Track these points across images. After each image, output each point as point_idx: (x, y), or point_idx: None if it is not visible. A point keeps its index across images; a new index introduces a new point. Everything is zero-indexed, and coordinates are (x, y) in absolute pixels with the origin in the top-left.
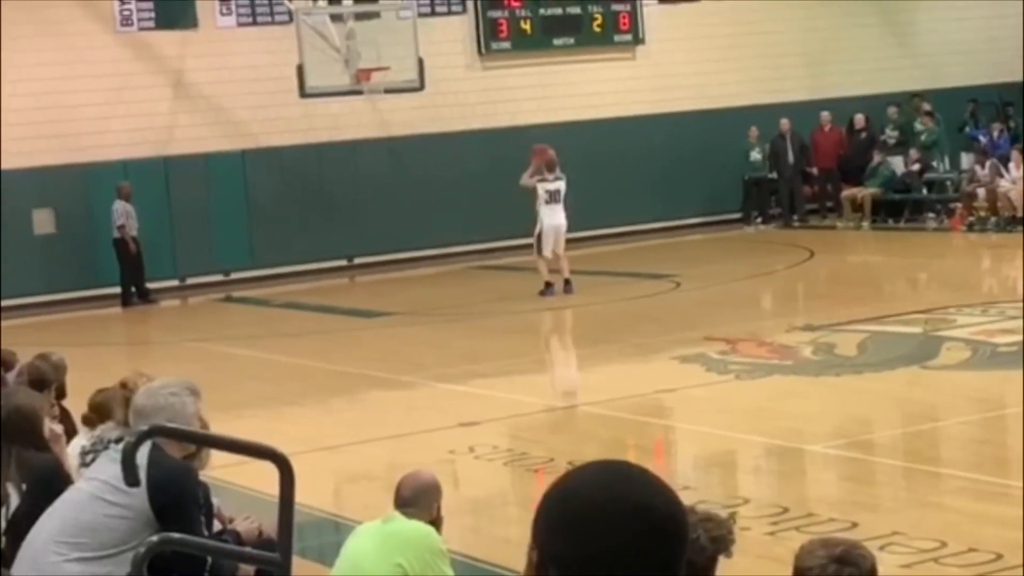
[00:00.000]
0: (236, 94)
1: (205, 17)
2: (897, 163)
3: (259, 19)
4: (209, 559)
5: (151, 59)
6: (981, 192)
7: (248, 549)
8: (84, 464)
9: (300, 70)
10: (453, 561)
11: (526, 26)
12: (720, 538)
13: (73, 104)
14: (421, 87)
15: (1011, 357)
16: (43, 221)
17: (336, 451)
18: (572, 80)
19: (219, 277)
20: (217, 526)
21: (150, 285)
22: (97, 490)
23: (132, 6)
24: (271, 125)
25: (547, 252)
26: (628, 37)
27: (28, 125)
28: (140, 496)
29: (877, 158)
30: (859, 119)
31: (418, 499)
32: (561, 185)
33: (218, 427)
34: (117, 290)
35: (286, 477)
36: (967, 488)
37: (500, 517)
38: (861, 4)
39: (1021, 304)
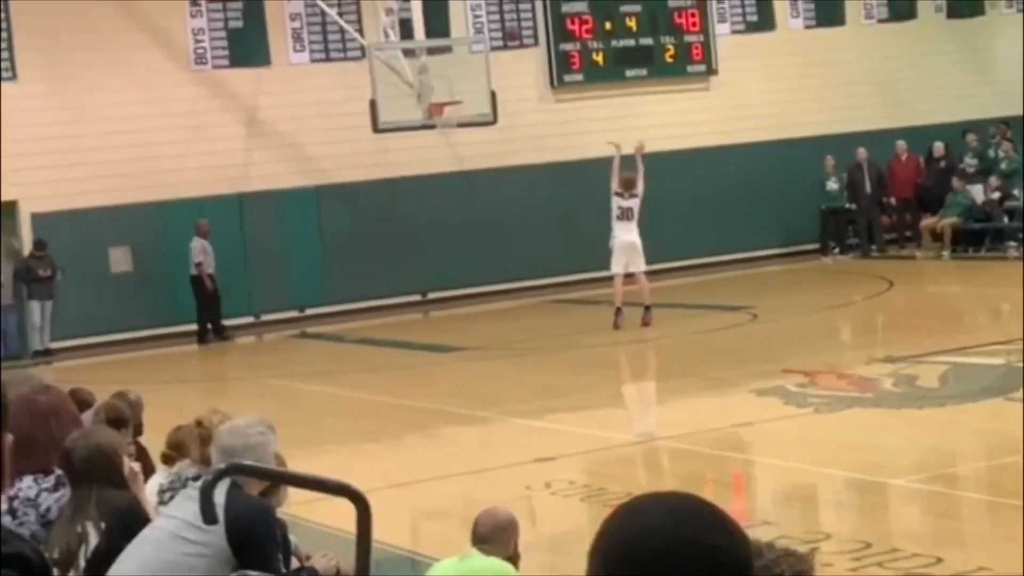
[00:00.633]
0: (309, 130)
1: (278, 54)
2: (977, 191)
3: (332, 55)
4: None
5: (225, 97)
6: None
7: None
8: (162, 502)
9: (373, 105)
10: None
11: (598, 58)
12: (804, 573)
13: (149, 142)
14: (494, 121)
15: None
16: (120, 259)
17: (412, 487)
18: (645, 112)
19: (293, 313)
20: (295, 564)
21: (225, 322)
22: (176, 528)
23: (206, 44)
24: (344, 161)
25: (617, 268)
26: (701, 68)
27: (104, 164)
28: (218, 534)
29: (957, 185)
30: (938, 147)
31: (495, 536)
32: (634, 204)
33: (294, 464)
34: (193, 327)
35: (363, 514)
36: None
37: (578, 554)
38: (937, 31)
39: None
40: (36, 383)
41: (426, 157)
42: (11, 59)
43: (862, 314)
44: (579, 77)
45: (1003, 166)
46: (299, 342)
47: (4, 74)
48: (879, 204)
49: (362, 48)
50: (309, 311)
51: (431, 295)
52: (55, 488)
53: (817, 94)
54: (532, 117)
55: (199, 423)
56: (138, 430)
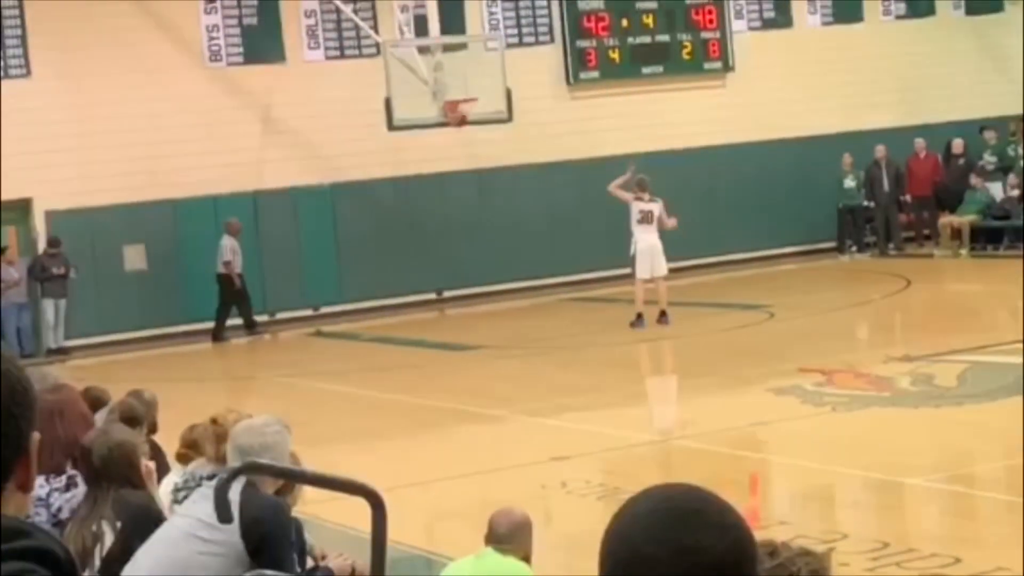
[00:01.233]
0: (324, 128)
1: (293, 51)
2: (996, 189)
3: (347, 52)
4: None
5: (239, 94)
6: None
7: None
8: (176, 501)
9: (388, 103)
10: None
11: (614, 55)
12: (820, 571)
13: (163, 140)
14: (509, 118)
15: None
16: (134, 257)
17: (427, 486)
18: (662, 109)
19: (308, 312)
20: (310, 563)
21: (239, 320)
22: (190, 527)
23: (221, 41)
24: (359, 158)
25: (643, 274)
26: (718, 65)
27: (119, 161)
28: (233, 533)
29: (976, 183)
30: (957, 144)
31: (512, 536)
32: (655, 208)
33: (309, 462)
34: (208, 325)
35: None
36: None
37: (594, 553)
38: (955, 27)
39: None
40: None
41: (441, 155)
42: (25, 56)
43: (880, 313)
44: (595, 74)
45: (1023, 163)
46: (314, 340)
47: (18, 71)
48: (897, 202)
49: (377, 45)
50: (324, 309)
51: (446, 293)
52: (66, 488)
53: (835, 91)
54: (548, 115)
55: (214, 421)
56: (153, 429)
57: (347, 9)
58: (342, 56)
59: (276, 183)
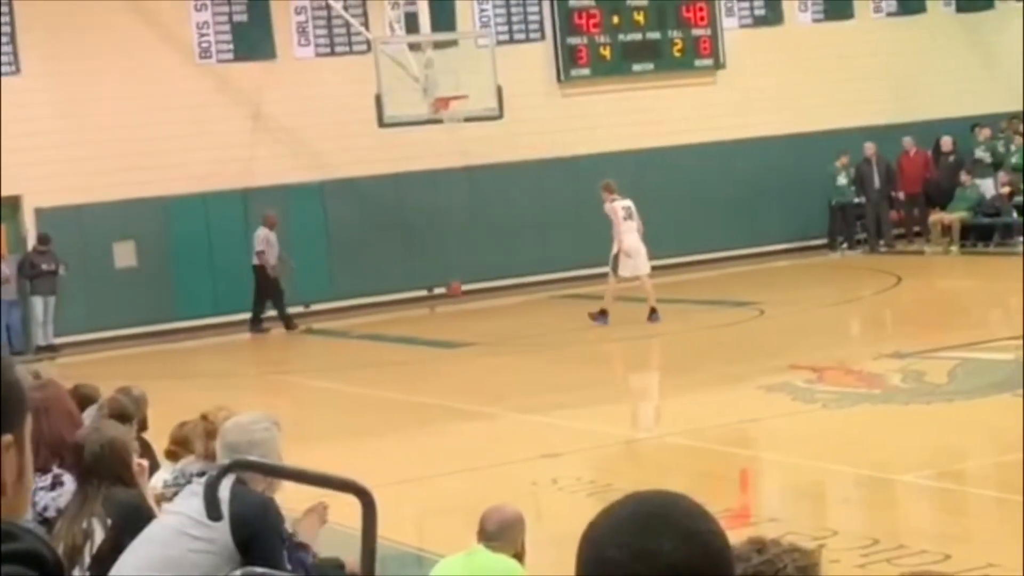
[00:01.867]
0: (315, 125)
1: (283, 48)
2: (986, 186)
3: (337, 49)
4: None
5: (230, 91)
6: None
7: None
8: (166, 498)
9: (378, 100)
10: None
11: (605, 52)
12: (808, 567)
13: (153, 137)
14: (500, 115)
15: None
16: (124, 254)
17: (417, 483)
18: (652, 106)
19: (299, 309)
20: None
21: (232, 318)
22: (180, 524)
23: (211, 38)
24: (350, 155)
25: (627, 272)
26: (709, 62)
27: (108, 158)
28: (223, 530)
29: (966, 180)
30: (946, 142)
31: (503, 533)
32: (631, 203)
33: (298, 460)
34: (197, 322)
35: (369, 511)
36: None
37: None
38: (946, 24)
39: None
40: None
41: (432, 151)
42: (14, 53)
43: (870, 309)
44: (586, 71)
45: (1014, 160)
46: (305, 338)
47: (7, 68)
48: (887, 199)
49: (367, 42)
50: (315, 307)
51: (437, 290)
52: (52, 487)
53: (825, 88)
54: (538, 112)
55: (204, 418)
56: (143, 426)
57: (338, 6)
58: (332, 53)
59: (267, 180)
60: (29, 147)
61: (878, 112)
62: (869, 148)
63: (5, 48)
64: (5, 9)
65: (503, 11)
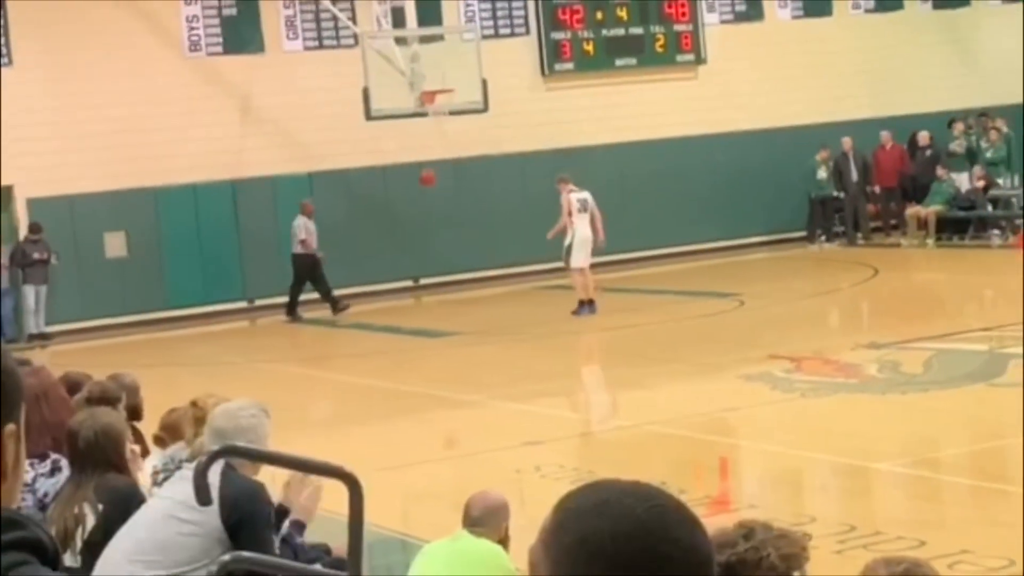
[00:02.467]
0: (303, 117)
1: (271, 41)
2: (961, 180)
3: (325, 43)
4: None
5: (219, 83)
6: None
7: (319, 568)
8: (156, 484)
9: (366, 93)
10: None
11: (589, 47)
12: (792, 556)
13: (143, 128)
14: (485, 108)
15: None
16: (115, 244)
17: (402, 470)
18: (635, 100)
19: (286, 298)
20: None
21: (218, 307)
22: (170, 509)
23: (200, 31)
24: (337, 147)
25: (580, 263)
26: (690, 57)
27: (100, 149)
28: (212, 514)
29: (942, 174)
30: (923, 136)
31: (487, 519)
32: (588, 195)
33: (286, 446)
34: (188, 311)
35: (355, 495)
36: None
37: None
38: (924, 21)
39: None
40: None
41: (418, 144)
42: (7, 45)
43: (848, 301)
44: (570, 66)
45: (988, 155)
46: (291, 326)
47: (0, 60)
48: (864, 193)
49: (355, 36)
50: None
51: (423, 280)
52: (51, 474)
53: (805, 83)
54: (523, 105)
55: (194, 404)
56: (135, 413)
57: (326, 1)
58: (320, 47)
59: (255, 171)
60: (21, 138)
61: (856, 107)
62: (846, 142)
63: None
64: None
65: (488, 6)
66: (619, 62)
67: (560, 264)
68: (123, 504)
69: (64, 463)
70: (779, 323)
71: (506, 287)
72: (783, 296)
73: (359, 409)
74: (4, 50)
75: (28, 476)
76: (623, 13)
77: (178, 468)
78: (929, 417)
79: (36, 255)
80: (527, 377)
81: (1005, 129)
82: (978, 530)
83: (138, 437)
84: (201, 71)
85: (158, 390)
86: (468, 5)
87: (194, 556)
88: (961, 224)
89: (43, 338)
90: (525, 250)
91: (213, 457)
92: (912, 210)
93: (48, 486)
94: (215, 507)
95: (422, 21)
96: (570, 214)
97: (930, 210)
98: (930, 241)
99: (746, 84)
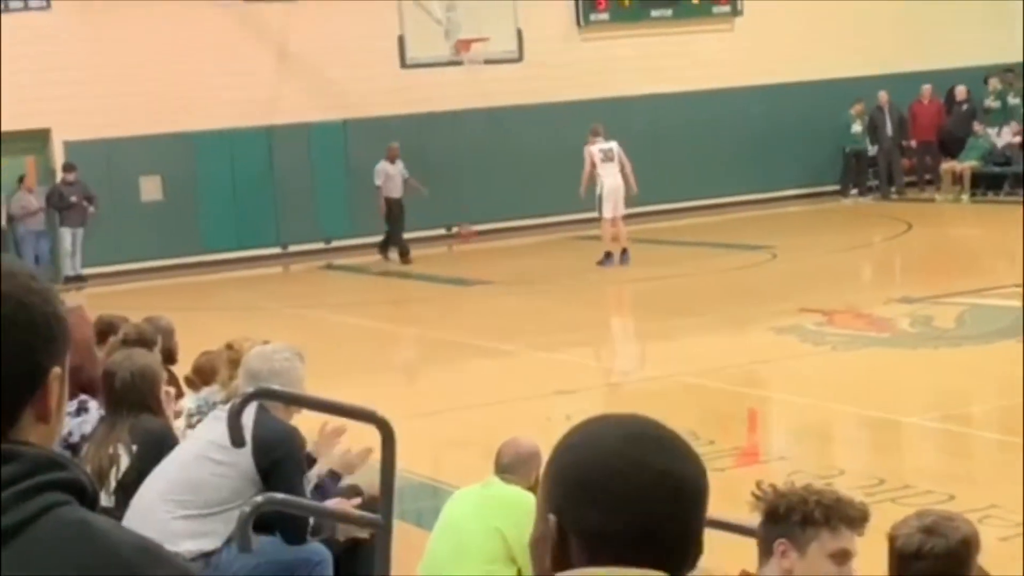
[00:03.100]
0: (338, 65)
1: None
2: (999, 136)
3: None
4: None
5: (255, 29)
6: None
7: (351, 510)
8: (190, 426)
9: (401, 41)
10: None
11: None
12: (848, 519)
13: (180, 73)
14: (520, 58)
15: None
16: (150, 188)
17: (434, 417)
18: (670, 51)
19: (320, 245)
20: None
21: (251, 253)
22: (203, 450)
23: None
24: (372, 95)
25: (608, 213)
26: (726, 8)
27: (136, 94)
28: (245, 456)
29: (979, 129)
30: (960, 91)
31: (518, 466)
32: (615, 146)
33: (319, 391)
34: (222, 256)
35: (387, 439)
36: None
37: None
38: None
39: None
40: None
41: (453, 93)
42: None
43: (880, 255)
44: (605, 16)
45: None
46: (325, 273)
47: (38, 3)
48: (899, 147)
49: None
50: (336, 243)
51: (456, 229)
52: (77, 413)
53: (840, 36)
54: (558, 56)
55: (230, 346)
56: (170, 356)
57: None
58: None
59: (290, 118)
60: (59, 81)
61: (893, 60)
62: (882, 96)
63: None
64: None
65: None
66: (654, 13)
67: (593, 214)
68: (157, 445)
69: (91, 404)
70: (811, 276)
71: (539, 236)
72: (816, 249)
73: (391, 356)
74: None
75: None
76: None
77: (212, 409)
78: (960, 372)
79: (73, 198)
80: (559, 327)
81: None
82: (1007, 486)
83: (172, 380)
84: (238, 17)
85: (191, 334)
86: None
87: (226, 497)
88: (996, 180)
89: (79, 280)
90: (558, 200)
91: (247, 399)
92: (947, 165)
93: (74, 425)
94: (248, 449)
95: None
96: (593, 166)
97: (965, 165)
98: (965, 196)
99: (782, 36)
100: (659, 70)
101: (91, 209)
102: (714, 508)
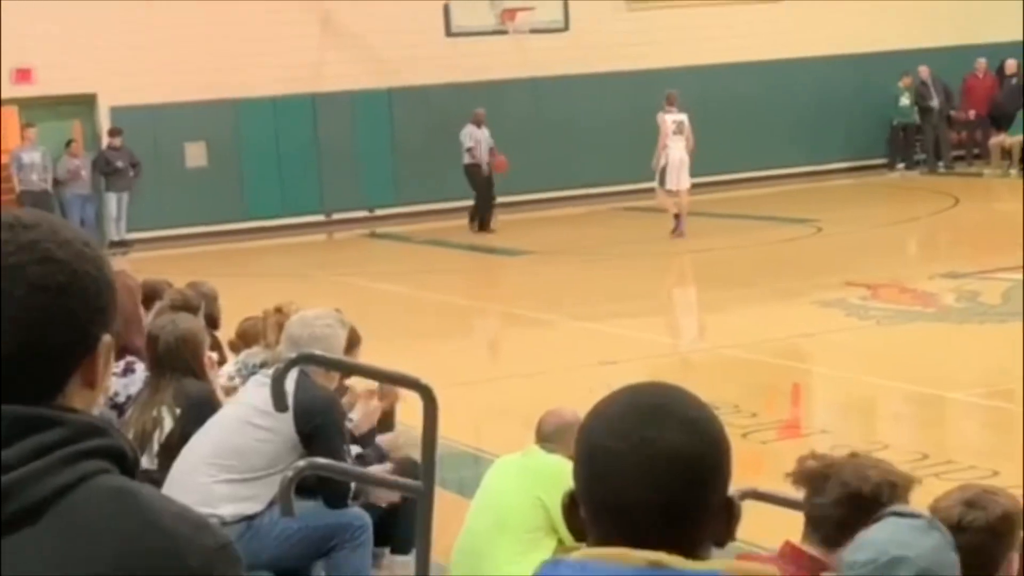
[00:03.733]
0: (383, 32)
1: None
2: None
3: None
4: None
5: None
6: None
7: (392, 476)
8: (231, 388)
9: (447, 9)
10: None
11: None
12: (895, 491)
13: (225, 39)
14: (566, 28)
15: None
16: (195, 154)
17: (476, 386)
18: (717, 23)
19: (364, 213)
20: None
21: (295, 220)
22: (246, 415)
23: None
24: (417, 64)
25: (672, 185)
26: None
27: (182, 61)
28: (287, 421)
29: None
30: (1010, 64)
31: (559, 436)
32: (684, 118)
33: (362, 358)
34: (266, 223)
35: (429, 406)
36: None
37: None
38: None
39: None
40: None
41: (498, 62)
42: None
43: (926, 229)
44: None
45: None
46: (369, 241)
47: None
48: (947, 120)
49: None
50: (379, 211)
51: (500, 199)
52: (124, 374)
53: (888, 9)
54: (604, 25)
55: (278, 310)
56: (213, 321)
57: None
58: None
59: (335, 86)
60: (104, 46)
61: (943, 33)
62: (923, 71)
63: None
64: None
65: None
66: None
67: (639, 185)
68: (199, 409)
69: (138, 365)
70: (857, 250)
71: (585, 207)
72: (862, 223)
73: (435, 325)
74: None
75: None
76: None
77: (252, 373)
78: (1006, 348)
79: (119, 162)
80: (603, 298)
81: None
82: None
83: (215, 345)
84: None
85: (234, 300)
86: None
87: (269, 461)
88: None
89: (123, 245)
90: (604, 170)
91: (290, 364)
92: (996, 139)
93: (119, 386)
94: (289, 414)
95: None
96: (665, 135)
97: (1014, 139)
98: (1013, 171)
99: (831, 9)
100: (706, 41)
101: (132, 173)
102: (756, 480)
